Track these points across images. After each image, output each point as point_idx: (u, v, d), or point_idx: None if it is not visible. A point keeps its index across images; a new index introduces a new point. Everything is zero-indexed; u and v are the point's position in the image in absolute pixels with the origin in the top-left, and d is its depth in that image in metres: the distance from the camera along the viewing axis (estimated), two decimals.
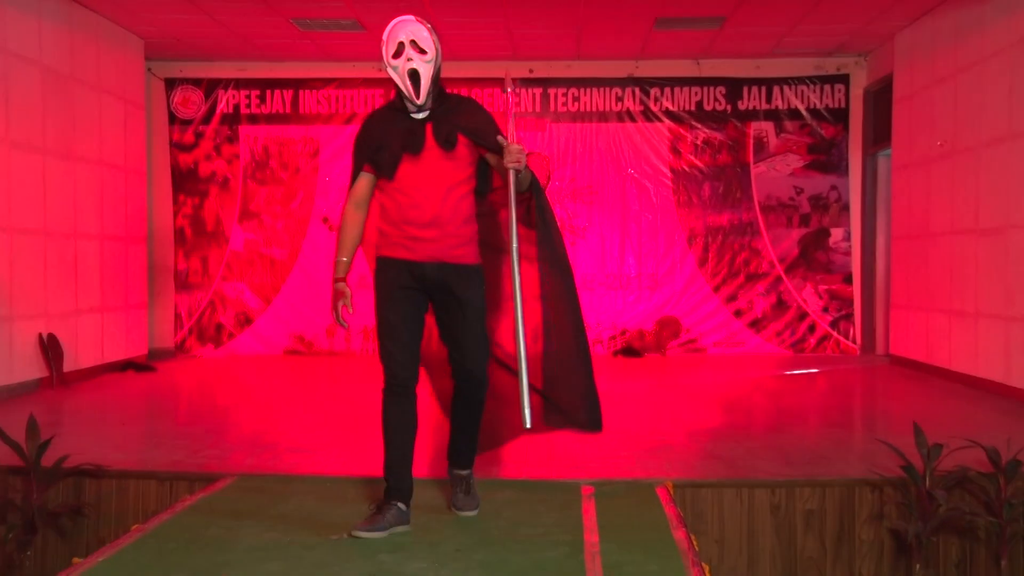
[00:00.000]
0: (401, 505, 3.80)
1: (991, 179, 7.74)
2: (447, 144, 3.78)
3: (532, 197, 4.00)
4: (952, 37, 8.43)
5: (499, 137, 3.79)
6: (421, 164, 3.79)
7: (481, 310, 3.88)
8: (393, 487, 3.82)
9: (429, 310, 3.93)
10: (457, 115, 3.84)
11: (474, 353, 3.86)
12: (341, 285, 3.92)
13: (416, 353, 3.86)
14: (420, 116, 3.81)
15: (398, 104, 3.85)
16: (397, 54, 3.75)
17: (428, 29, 3.79)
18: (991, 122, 7.75)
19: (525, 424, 3.64)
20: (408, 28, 3.77)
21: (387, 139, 3.83)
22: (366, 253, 4.14)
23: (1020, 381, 7.22)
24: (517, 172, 3.74)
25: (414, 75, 3.73)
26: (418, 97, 3.76)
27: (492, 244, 4.09)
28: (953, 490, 4.51)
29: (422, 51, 3.74)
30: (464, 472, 4.09)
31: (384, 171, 3.83)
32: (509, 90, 3.99)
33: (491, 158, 3.87)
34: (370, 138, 3.89)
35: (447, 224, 3.80)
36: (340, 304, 3.89)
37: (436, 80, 3.80)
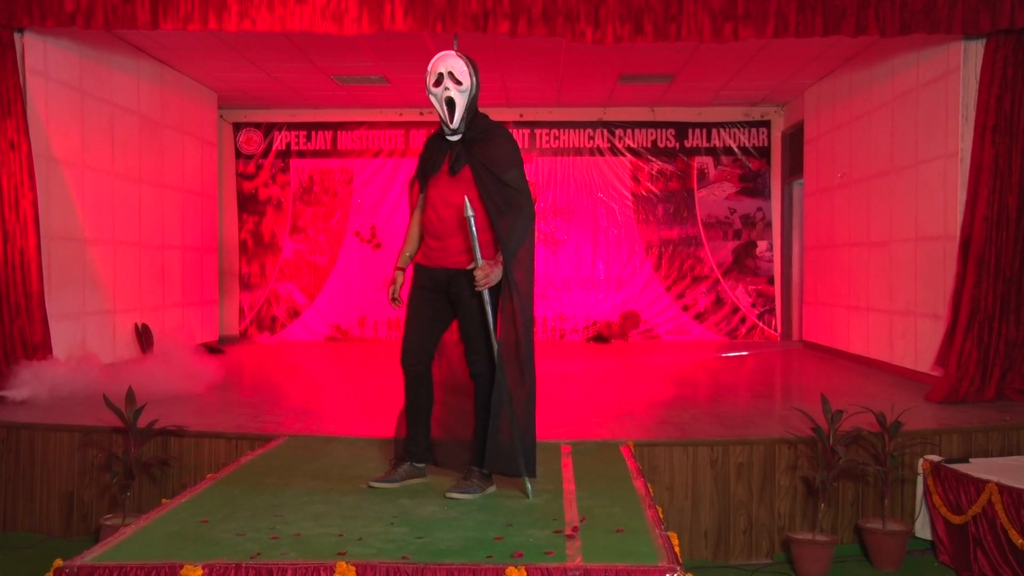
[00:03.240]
0: (416, 463, 3.71)
1: (878, 204, 7.76)
2: (451, 170, 3.53)
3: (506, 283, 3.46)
4: (848, 93, 8.46)
5: (473, 267, 3.41)
6: (439, 183, 3.56)
7: (479, 312, 3.47)
8: (407, 448, 3.74)
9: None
10: (478, 143, 3.53)
11: (473, 348, 3.54)
12: (397, 273, 3.73)
13: (426, 344, 3.64)
14: (454, 139, 3.54)
15: (440, 129, 3.61)
16: (437, 83, 3.49)
17: (465, 62, 3.51)
18: (877, 159, 7.77)
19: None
20: (448, 61, 3.50)
21: (429, 158, 3.64)
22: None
23: (901, 360, 7.25)
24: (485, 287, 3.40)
25: (450, 103, 3.47)
26: (452, 122, 3.49)
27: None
28: (850, 446, 4.54)
29: (458, 82, 3.47)
30: (476, 468, 3.57)
31: (422, 186, 3.67)
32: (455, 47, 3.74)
33: (489, 188, 3.48)
34: (422, 156, 3.69)
35: (452, 236, 3.52)
36: (392, 287, 3.72)
37: (470, 107, 3.52)
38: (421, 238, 3.71)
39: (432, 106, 3.59)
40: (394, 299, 3.75)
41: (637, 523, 3.14)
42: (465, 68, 3.51)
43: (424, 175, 3.67)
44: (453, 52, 3.55)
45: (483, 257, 3.44)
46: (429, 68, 3.54)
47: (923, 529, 4.66)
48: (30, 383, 5.72)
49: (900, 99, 7.33)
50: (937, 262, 6.64)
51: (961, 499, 4.32)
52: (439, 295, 3.62)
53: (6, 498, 4.99)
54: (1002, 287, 5.87)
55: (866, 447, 4.61)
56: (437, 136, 3.66)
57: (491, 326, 3.46)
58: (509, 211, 3.47)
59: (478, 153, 3.52)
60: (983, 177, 5.91)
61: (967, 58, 6.25)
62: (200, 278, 9.58)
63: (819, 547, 4.34)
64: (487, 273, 3.40)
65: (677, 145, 10.76)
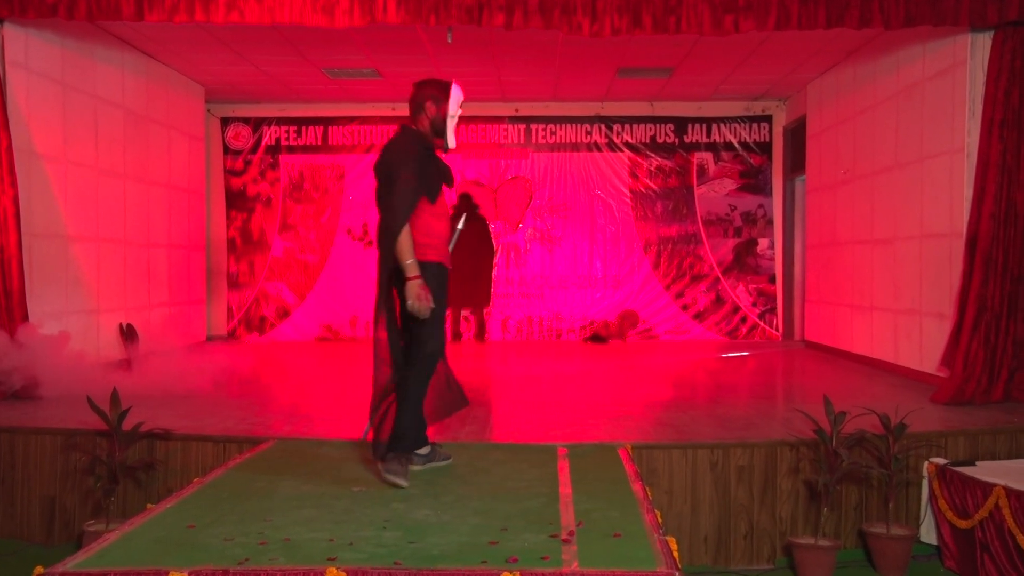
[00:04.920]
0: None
1: (882, 200, 7.77)
2: (450, 183, 4.09)
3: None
4: (852, 86, 8.47)
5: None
6: (445, 193, 4.06)
7: None
8: (423, 436, 4.04)
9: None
10: None
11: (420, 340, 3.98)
12: (423, 280, 3.79)
13: None
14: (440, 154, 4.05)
15: (430, 143, 3.99)
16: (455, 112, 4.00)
17: None
18: (882, 155, 7.78)
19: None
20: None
21: (435, 171, 3.98)
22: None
23: (906, 361, 7.26)
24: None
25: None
26: (453, 142, 4.04)
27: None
28: (854, 448, 4.54)
29: None
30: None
31: (432, 196, 3.94)
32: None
33: None
34: (424, 169, 3.90)
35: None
36: (428, 294, 3.79)
37: None
38: None
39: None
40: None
41: (635, 527, 3.14)
42: None
43: (437, 188, 3.97)
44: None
45: None
46: (456, 95, 4.00)
47: (928, 534, 4.67)
48: None
49: (905, 93, 7.34)
50: (943, 260, 6.65)
51: (967, 503, 4.33)
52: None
53: None
54: (1010, 286, 5.88)
55: (870, 450, 4.61)
56: (428, 149, 3.98)
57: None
58: None
59: None
60: (990, 173, 5.92)
61: (974, 51, 6.25)
62: (187, 277, 9.56)
63: (822, 552, 4.34)
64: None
65: (676, 140, 10.76)
